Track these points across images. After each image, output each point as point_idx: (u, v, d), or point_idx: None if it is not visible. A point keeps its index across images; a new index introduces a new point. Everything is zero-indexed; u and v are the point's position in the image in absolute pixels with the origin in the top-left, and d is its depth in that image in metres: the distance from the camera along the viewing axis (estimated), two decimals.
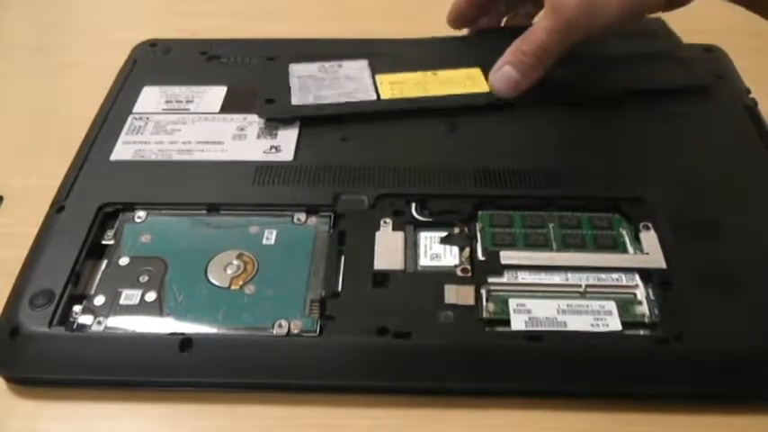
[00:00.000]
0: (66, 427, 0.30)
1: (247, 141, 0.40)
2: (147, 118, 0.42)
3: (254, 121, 0.41)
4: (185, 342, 0.31)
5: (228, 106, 0.42)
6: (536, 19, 0.45)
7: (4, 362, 0.31)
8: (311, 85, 0.42)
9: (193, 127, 0.41)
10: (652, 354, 0.30)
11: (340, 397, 0.30)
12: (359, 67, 0.43)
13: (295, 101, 0.41)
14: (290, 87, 0.42)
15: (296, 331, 0.31)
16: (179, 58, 0.47)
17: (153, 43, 0.48)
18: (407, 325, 0.31)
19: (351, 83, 0.42)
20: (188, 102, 0.43)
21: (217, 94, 0.43)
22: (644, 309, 0.32)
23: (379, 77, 0.42)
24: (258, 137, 0.40)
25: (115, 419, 0.30)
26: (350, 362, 0.30)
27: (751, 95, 0.43)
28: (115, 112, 0.42)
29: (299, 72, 0.43)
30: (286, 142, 0.40)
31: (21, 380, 0.31)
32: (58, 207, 0.36)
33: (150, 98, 0.43)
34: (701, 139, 0.40)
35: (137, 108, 0.43)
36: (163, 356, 0.30)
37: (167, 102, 0.43)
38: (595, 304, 0.32)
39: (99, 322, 0.32)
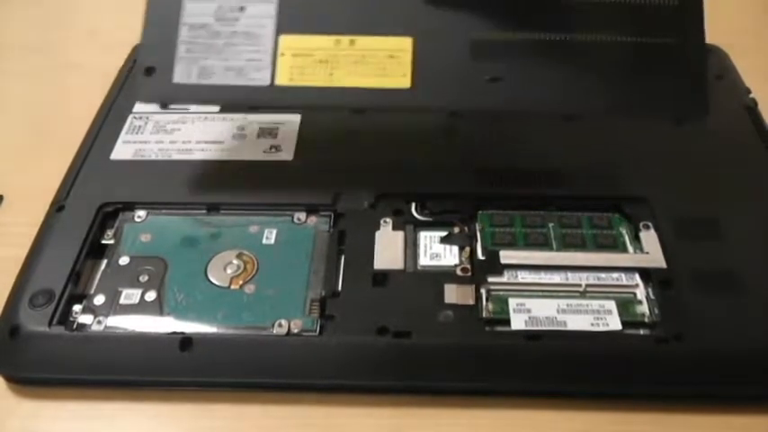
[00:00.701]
0: (66, 426, 0.30)
1: (247, 141, 0.40)
2: (147, 117, 0.42)
3: (254, 121, 0.41)
4: (185, 341, 0.31)
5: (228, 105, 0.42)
6: None
7: (4, 361, 0.31)
8: (201, 45, 0.34)
9: (193, 126, 0.41)
10: (652, 354, 0.30)
11: (340, 396, 0.30)
12: (264, 15, 0.34)
13: (178, 73, 0.34)
14: (176, 45, 0.34)
15: (296, 331, 0.31)
16: None
17: None
18: (407, 324, 0.31)
19: (247, 48, 0.33)
20: None
21: None
22: (644, 308, 0.32)
23: (282, 41, 0.34)
24: (258, 136, 0.40)
25: (115, 419, 0.30)
26: (350, 361, 0.30)
27: (751, 95, 0.43)
28: (115, 111, 0.42)
29: (193, 15, 0.34)
30: (286, 142, 0.40)
31: (20, 379, 0.31)
32: (57, 207, 0.37)
33: None
34: (702, 138, 0.40)
35: (136, 108, 0.43)
36: (163, 356, 0.30)
37: None
38: (595, 304, 0.32)
39: (99, 322, 0.32)
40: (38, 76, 0.50)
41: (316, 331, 0.31)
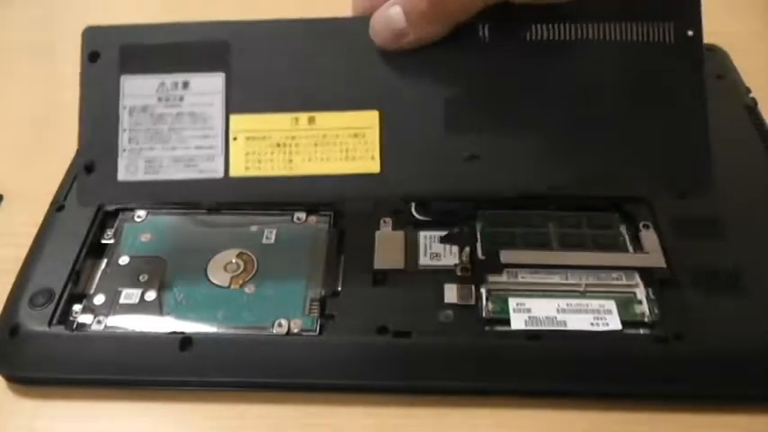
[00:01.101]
0: (66, 426, 0.30)
1: None
2: None
3: None
4: (185, 341, 0.31)
5: None
6: None
7: (4, 361, 0.31)
8: (144, 132, 0.29)
9: None
10: (652, 353, 0.30)
11: (340, 396, 0.30)
12: (211, 91, 0.29)
13: (122, 170, 0.29)
14: (118, 133, 0.29)
15: (296, 330, 0.31)
16: None
17: None
18: (407, 324, 0.31)
19: (196, 132, 0.29)
20: None
21: None
22: (644, 308, 0.32)
23: (233, 122, 0.29)
24: None
25: (115, 418, 0.30)
26: (350, 361, 0.30)
27: (751, 95, 0.43)
28: None
29: (133, 96, 0.29)
30: None
31: (20, 379, 0.31)
32: (57, 206, 0.36)
33: None
34: None
35: None
36: (163, 355, 0.30)
37: None
38: (595, 303, 0.32)
39: (99, 321, 0.32)
40: (38, 76, 0.50)
41: (315, 331, 0.31)
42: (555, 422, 0.29)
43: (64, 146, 0.40)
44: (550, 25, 0.29)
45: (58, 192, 0.38)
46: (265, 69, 0.29)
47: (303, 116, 0.29)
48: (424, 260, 0.34)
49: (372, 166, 0.28)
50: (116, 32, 0.30)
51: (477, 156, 0.28)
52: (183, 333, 0.31)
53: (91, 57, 0.30)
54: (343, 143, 0.28)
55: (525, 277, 0.33)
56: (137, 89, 0.29)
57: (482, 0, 0.27)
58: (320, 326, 0.31)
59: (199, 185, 0.29)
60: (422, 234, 0.35)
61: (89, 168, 0.29)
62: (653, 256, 0.33)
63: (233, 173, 0.28)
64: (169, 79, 0.29)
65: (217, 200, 0.30)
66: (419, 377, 0.30)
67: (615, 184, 0.30)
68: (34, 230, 0.36)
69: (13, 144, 0.44)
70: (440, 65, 0.29)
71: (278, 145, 0.29)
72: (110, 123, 0.29)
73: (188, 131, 0.29)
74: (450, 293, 0.32)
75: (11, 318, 0.32)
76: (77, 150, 0.28)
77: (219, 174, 0.28)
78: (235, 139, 0.29)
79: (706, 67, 0.44)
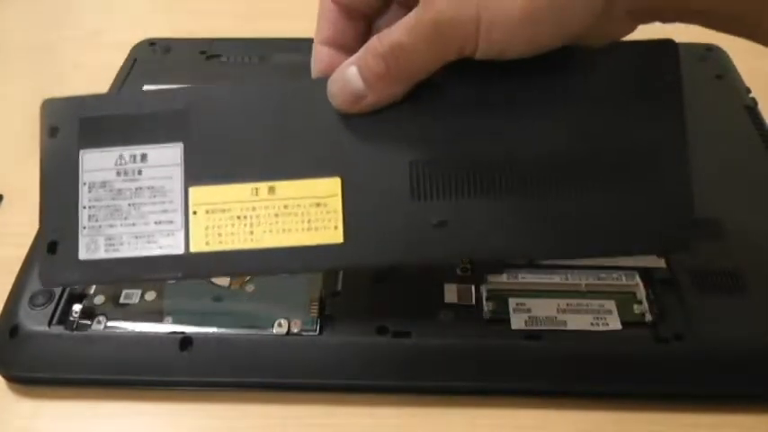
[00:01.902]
0: (66, 426, 0.30)
1: None
2: None
3: None
4: (185, 341, 0.31)
5: None
6: None
7: (4, 361, 0.31)
8: (104, 208, 0.28)
9: None
10: (652, 353, 0.30)
11: (340, 396, 0.30)
12: (169, 163, 0.28)
13: (83, 248, 0.28)
14: (77, 210, 0.28)
15: (296, 330, 0.31)
16: (178, 57, 0.47)
17: (152, 42, 0.48)
18: (407, 324, 0.31)
19: (155, 207, 0.28)
20: None
21: None
22: (644, 308, 0.32)
23: (193, 194, 0.28)
24: None
25: (115, 418, 0.30)
26: (350, 361, 0.30)
27: (751, 95, 0.43)
28: None
29: (92, 170, 0.29)
30: None
31: (20, 379, 0.31)
32: None
33: None
34: (702, 138, 0.40)
35: None
36: (163, 355, 0.30)
37: None
38: (595, 303, 0.32)
39: (99, 321, 0.32)
40: (38, 76, 0.50)
41: (315, 331, 0.31)
42: (555, 422, 0.29)
43: None
44: (516, 81, 0.27)
45: None
46: (223, 137, 0.28)
47: (263, 186, 0.28)
48: None
49: (335, 236, 0.27)
50: (75, 104, 0.29)
51: (445, 221, 0.27)
52: (183, 333, 0.31)
53: (50, 132, 0.29)
54: (305, 213, 0.27)
55: (525, 277, 0.33)
56: (95, 164, 0.28)
57: (440, 57, 0.25)
58: (320, 326, 0.31)
59: (159, 262, 0.28)
60: None
61: (51, 248, 0.28)
62: (653, 256, 0.33)
63: (193, 248, 0.27)
64: (127, 152, 0.28)
65: (177, 277, 0.29)
66: (419, 377, 0.30)
67: (591, 250, 0.28)
68: (34, 230, 0.35)
69: (13, 144, 0.44)
70: (402, 126, 0.27)
71: (238, 217, 0.28)
72: (70, 200, 0.28)
73: (147, 207, 0.28)
74: (451, 293, 0.32)
75: (11, 318, 0.32)
76: (39, 230, 0.28)
77: (180, 250, 0.27)
78: (195, 213, 0.28)
79: (706, 68, 0.44)
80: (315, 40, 0.29)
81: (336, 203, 0.27)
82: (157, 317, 0.32)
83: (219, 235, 0.28)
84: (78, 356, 0.31)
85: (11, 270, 0.34)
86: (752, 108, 0.42)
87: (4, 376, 0.31)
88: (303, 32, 0.49)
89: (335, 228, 0.27)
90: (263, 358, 0.30)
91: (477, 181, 0.27)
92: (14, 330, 0.31)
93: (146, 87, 0.44)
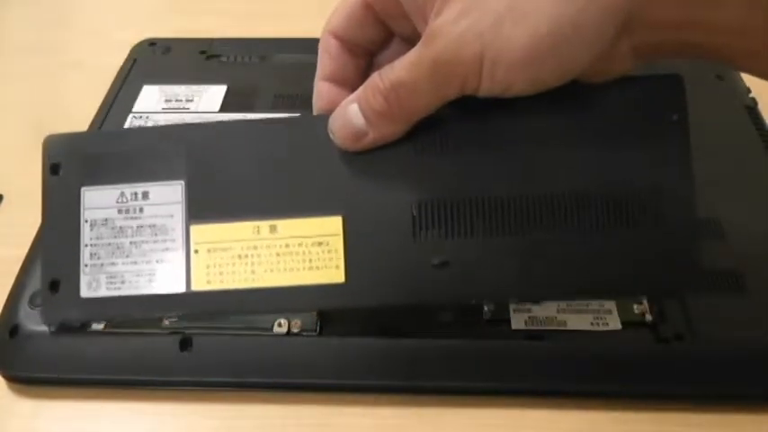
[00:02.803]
0: (66, 426, 0.30)
1: None
2: (147, 117, 0.42)
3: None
4: (185, 341, 0.31)
5: (228, 105, 0.42)
6: None
7: (4, 361, 0.31)
8: (105, 247, 0.28)
9: None
10: (652, 353, 0.30)
11: (340, 396, 0.30)
12: (170, 201, 0.28)
13: (84, 286, 0.28)
14: (79, 248, 0.28)
15: (296, 330, 0.31)
16: (178, 57, 0.47)
17: (152, 42, 0.48)
18: (407, 324, 0.31)
19: (156, 246, 0.28)
20: (188, 101, 0.43)
21: (217, 92, 0.43)
22: (644, 308, 0.32)
23: (194, 233, 0.28)
24: None
25: (115, 419, 0.30)
26: (350, 361, 0.30)
27: (751, 95, 0.43)
28: (115, 111, 0.42)
29: (93, 208, 0.29)
30: None
31: (20, 379, 0.31)
32: None
33: (150, 97, 0.43)
34: (701, 138, 0.40)
35: (136, 107, 0.43)
36: (163, 356, 0.30)
37: (167, 101, 0.43)
38: (595, 303, 0.32)
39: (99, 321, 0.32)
40: (38, 76, 0.50)
41: (315, 331, 0.31)
42: (555, 422, 0.29)
43: None
44: (519, 119, 0.27)
45: None
46: (225, 174, 0.28)
47: (264, 225, 0.28)
48: None
49: (337, 275, 0.27)
50: (76, 141, 0.29)
51: (447, 262, 0.27)
52: (183, 333, 0.31)
53: (52, 169, 0.29)
54: (306, 252, 0.27)
55: None
56: (97, 201, 0.29)
57: (441, 95, 0.25)
58: (320, 326, 0.31)
59: (161, 301, 0.28)
60: None
61: (53, 287, 0.28)
62: None
63: (195, 287, 0.27)
64: (129, 189, 0.28)
65: (178, 315, 0.29)
66: (419, 377, 0.30)
67: (594, 294, 0.29)
68: (34, 230, 0.36)
69: (13, 144, 0.44)
70: (404, 164, 0.27)
71: (239, 256, 0.28)
72: (72, 238, 0.28)
73: (149, 245, 0.28)
74: None
75: (11, 318, 0.32)
76: (42, 269, 0.29)
77: (181, 288, 0.28)
78: (196, 251, 0.28)
79: (706, 67, 0.44)
80: (316, 77, 0.29)
81: (338, 243, 0.27)
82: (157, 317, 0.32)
83: (221, 274, 0.28)
84: (78, 356, 0.31)
85: (11, 270, 0.34)
86: (752, 108, 0.42)
87: (4, 376, 0.31)
88: (303, 32, 0.49)
89: (337, 267, 0.27)
90: (263, 358, 0.30)
91: (479, 221, 0.27)
92: (14, 330, 0.31)
93: (146, 87, 0.44)
